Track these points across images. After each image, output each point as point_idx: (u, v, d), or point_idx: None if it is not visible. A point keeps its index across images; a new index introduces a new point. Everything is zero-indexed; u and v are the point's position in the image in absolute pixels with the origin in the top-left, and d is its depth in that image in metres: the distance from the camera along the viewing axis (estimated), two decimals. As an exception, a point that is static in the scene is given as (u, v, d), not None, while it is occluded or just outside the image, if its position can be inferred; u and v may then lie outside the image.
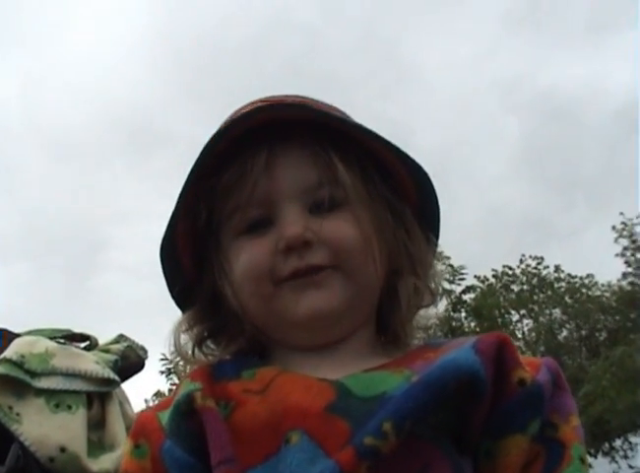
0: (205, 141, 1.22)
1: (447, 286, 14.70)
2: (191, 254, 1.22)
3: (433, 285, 1.24)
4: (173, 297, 1.24)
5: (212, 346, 1.23)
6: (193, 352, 1.21)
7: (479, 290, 19.28)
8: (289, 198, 1.14)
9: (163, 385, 17.26)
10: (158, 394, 17.56)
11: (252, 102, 1.23)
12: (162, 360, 15.86)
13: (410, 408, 0.98)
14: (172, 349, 1.24)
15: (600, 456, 20.74)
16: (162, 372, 16.49)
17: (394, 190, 1.21)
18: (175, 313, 1.24)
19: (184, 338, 1.22)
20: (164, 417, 1.11)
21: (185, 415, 1.07)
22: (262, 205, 1.14)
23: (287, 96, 1.24)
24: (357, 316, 1.16)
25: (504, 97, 37.33)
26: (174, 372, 16.48)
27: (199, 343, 1.22)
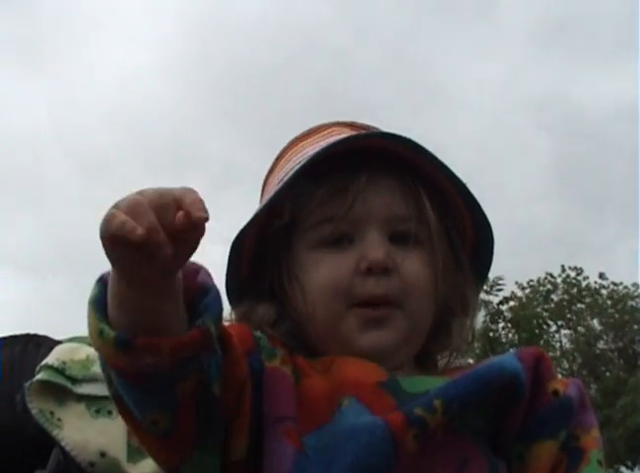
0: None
1: (485, 297, 14.59)
2: (254, 253, 1.27)
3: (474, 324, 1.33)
4: (227, 289, 1.28)
5: None
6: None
7: (517, 301, 19.14)
8: (378, 223, 1.20)
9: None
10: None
11: (339, 123, 1.31)
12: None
13: (459, 392, 1.07)
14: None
15: (637, 469, 20.46)
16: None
17: (456, 228, 1.28)
18: None
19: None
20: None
21: (263, 363, 1.13)
22: (351, 223, 1.20)
23: (368, 125, 1.31)
24: (407, 352, 1.23)
25: (535, 114, 37.16)
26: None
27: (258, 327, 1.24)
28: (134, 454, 1.81)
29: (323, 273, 1.19)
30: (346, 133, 1.24)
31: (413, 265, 1.19)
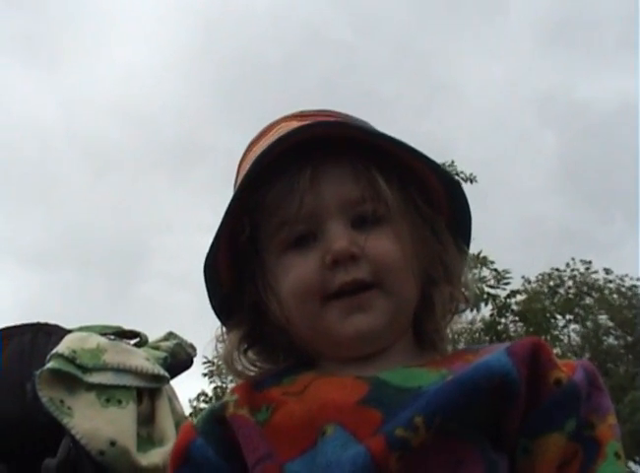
0: (240, 154, 1.26)
1: (492, 291, 14.54)
2: (230, 268, 1.26)
3: (467, 291, 1.28)
4: (214, 309, 1.28)
5: (253, 356, 1.27)
6: (234, 363, 1.25)
7: (524, 294, 19.13)
8: (334, 213, 1.18)
9: (206, 387, 17.39)
10: (202, 395, 17.70)
11: (286, 117, 1.28)
12: (205, 363, 16.03)
13: (441, 404, 1.03)
14: (218, 359, 1.28)
15: (645, 465, 20.44)
16: (205, 375, 16.63)
17: (428, 201, 1.24)
18: (215, 321, 1.28)
19: (225, 347, 1.26)
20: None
21: (218, 421, 1.14)
22: (308, 220, 1.18)
23: (319, 111, 1.29)
24: (397, 330, 1.20)
25: (540, 111, 37.02)
26: (217, 375, 16.61)
27: (242, 353, 1.26)
28: (144, 443, 1.82)
29: (292, 277, 1.17)
30: (292, 127, 1.20)
31: (378, 243, 1.16)
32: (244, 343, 1.26)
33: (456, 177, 1.24)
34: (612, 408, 1.14)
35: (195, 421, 1.18)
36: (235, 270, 1.26)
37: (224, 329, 1.28)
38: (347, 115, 1.28)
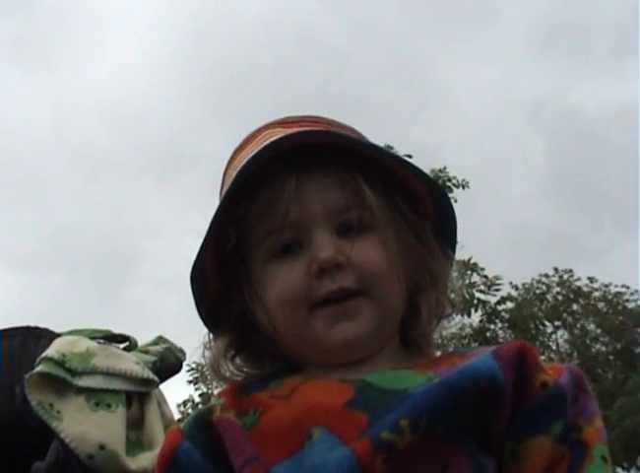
0: (226, 160, 1.26)
1: (482, 296, 14.57)
2: (217, 277, 1.27)
3: (453, 295, 1.29)
4: (201, 317, 1.29)
5: (240, 363, 1.28)
6: (221, 370, 1.26)
7: (514, 301, 19.18)
8: (320, 222, 1.18)
9: (192, 393, 17.43)
10: (188, 401, 17.72)
11: (271, 124, 1.29)
12: (190, 370, 16.06)
13: (426, 407, 1.03)
14: (205, 367, 1.29)
15: (633, 470, 20.48)
16: (190, 382, 16.68)
17: (414, 207, 1.25)
18: (202, 327, 1.29)
19: (212, 354, 1.27)
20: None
21: (205, 425, 1.15)
22: (293, 229, 1.19)
23: (304, 117, 1.30)
24: (383, 336, 1.21)
25: (531, 118, 37.17)
26: (202, 382, 16.63)
27: (229, 360, 1.27)
28: (133, 447, 1.82)
29: (278, 285, 1.18)
30: (277, 134, 1.21)
31: (364, 251, 1.17)
32: (231, 350, 1.26)
33: (440, 184, 1.25)
34: (599, 411, 1.15)
35: (182, 425, 1.19)
36: (222, 278, 1.26)
37: (211, 336, 1.28)
38: (332, 121, 1.29)
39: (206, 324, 1.28)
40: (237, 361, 1.27)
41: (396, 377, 1.13)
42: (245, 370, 1.27)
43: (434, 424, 1.03)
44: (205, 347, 1.28)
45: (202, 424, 1.15)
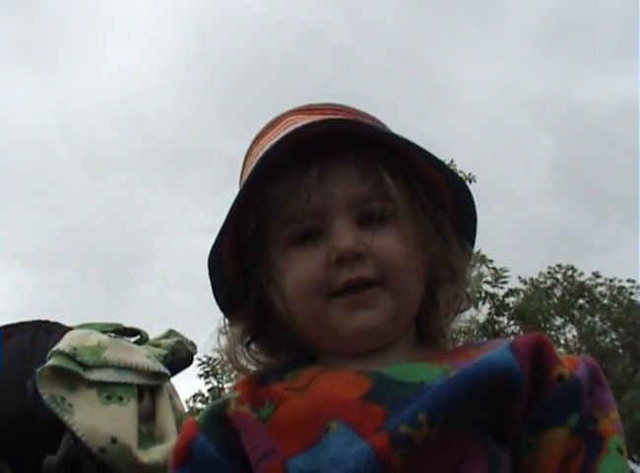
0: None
1: (490, 289, 14.56)
2: (235, 263, 1.26)
3: (470, 289, 1.29)
4: (218, 303, 1.28)
5: (255, 349, 1.28)
6: (236, 356, 1.26)
7: (522, 293, 19.15)
8: (340, 211, 1.18)
9: (202, 388, 17.43)
10: (198, 395, 17.74)
11: (294, 111, 1.29)
12: (201, 364, 16.09)
13: (444, 401, 1.03)
14: (220, 352, 1.28)
15: (642, 463, 20.43)
16: (201, 376, 16.70)
17: (433, 198, 1.25)
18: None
19: (228, 340, 1.27)
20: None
21: (220, 418, 1.14)
22: (314, 217, 1.18)
23: (326, 105, 1.29)
24: (400, 327, 1.21)
25: (537, 113, 37.05)
26: (212, 375, 16.66)
27: (245, 346, 1.27)
28: (144, 440, 1.82)
29: (297, 273, 1.18)
30: (299, 121, 1.21)
31: (384, 242, 1.17)
32: (247, 336, 1.26)
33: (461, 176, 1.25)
34: (615, 403, 1.14)
35: (197, 418, 1.18)
36: (240, 264, 1.26)
37: (227, 321, 1.28)
38: (354, 110, 1.29)
39: (222, 309, 1.28)
40: (253, 347, 1.27)
41: (412, 370, 1.13)
42: (260, 358, 1.27)
43: (451, 417, 1.03)
44: (220, 332, 1.28)
45: (217, 417, 1.15)
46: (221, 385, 16.73)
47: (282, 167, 1.18)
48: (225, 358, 1.27)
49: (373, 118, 1.29)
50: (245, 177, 1.20)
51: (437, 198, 1.25)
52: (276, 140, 1.18)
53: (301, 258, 1.18)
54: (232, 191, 1.23)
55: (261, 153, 1.19)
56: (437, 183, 1.25)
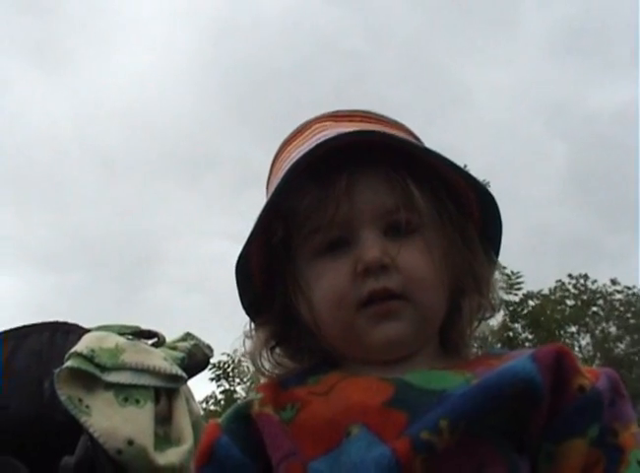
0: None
1: (505, 296, 14.53)
2: (262, 268, 1.26)
3: (494, 299, 1.28)
4: (244, 306, 1.29)
5: (279, 353, 1.28)
6: (260, 359, 1.27)
7: (537, 300, 19.10)
8: (368, 221, 1.18)
9: (214, 391, 17.47)
10: (210, 397, 17.79)
11: (321, 118, 1.29)
12: (212, 368, 16.13)
13: (466, 409, 1.03)
14: (244, 355, 1.29)
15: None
16: (212, 379, 16.74)
17: (459, 208, 1.25)
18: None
19: (254, 344, 1.28)
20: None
21: (243, 419, 1.14)
22: (341, 227, 1.18)
23: (354, 111, 1.30)
24: (424, 337, 1.21)
25: (551, 120, 36.88)
26: (224, 378, 16.70)
27: (269, 350, 1.27)
28: (161, 443, 1.82)
29: (324, 284, 1.18)
30: (328, 128, 1.22)
31: (410, 255, 1.17)
32: (272, 341, 1.27)
33: (488, 187, 1.25)
34: (634, 416, 1.14)
35: (220, 419, 1.19)
36: (267, 271, 1.26)
37: (253, 326, 1.29)
38: (383, 117, 1.29)
39: (247, 313, 1.29)
40: (277, 351, 1.27)
41: (434, 378, 1.13)
42: (284, 361, 1.27)
43: (472, 425, 1.03)
44: (246, 336, 1.29)
45: (240, 418, 1.15)
46: (233, 388, 16.77)
47: (309, 176, 1.18)
48: (249, 361, 1.27)
49: (401, 126, 1.29)
50: (273, 184, 1.21)
51: (463, 206, 1.25)
52: (303, 151, 1.18)
53: (328, 269, 1.18)
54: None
55: (289, 163, 1.18)
56: (464, 193, 1.24)
